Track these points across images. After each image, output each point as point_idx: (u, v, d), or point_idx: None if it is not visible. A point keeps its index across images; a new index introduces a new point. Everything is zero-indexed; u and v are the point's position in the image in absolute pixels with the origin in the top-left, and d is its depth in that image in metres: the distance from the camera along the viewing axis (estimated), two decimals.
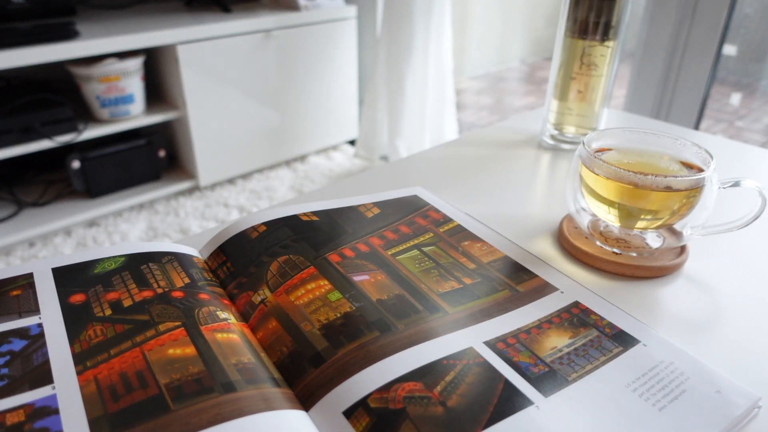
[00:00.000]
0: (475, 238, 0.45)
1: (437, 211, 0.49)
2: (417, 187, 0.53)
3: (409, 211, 0.48)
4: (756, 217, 0.42)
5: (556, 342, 0.34)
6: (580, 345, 0.34)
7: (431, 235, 0.45)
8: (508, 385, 0.31)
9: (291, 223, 0.45)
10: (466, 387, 0.30)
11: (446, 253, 0.43)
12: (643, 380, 0.32)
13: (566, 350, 0.34)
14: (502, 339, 0.34)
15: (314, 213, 0.47)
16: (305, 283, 0.38)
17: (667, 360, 0.33)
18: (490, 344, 0.34)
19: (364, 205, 0.49)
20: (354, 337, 0.33)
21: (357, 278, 0.39)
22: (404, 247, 0.43)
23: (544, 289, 0.39)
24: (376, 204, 0.49)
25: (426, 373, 0.31)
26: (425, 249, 0.43)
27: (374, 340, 0.33)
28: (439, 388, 0.30)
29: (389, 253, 0.42)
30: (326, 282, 0.38)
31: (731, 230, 0.43)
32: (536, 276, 0.41)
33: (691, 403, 0.30)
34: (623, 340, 0.35)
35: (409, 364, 0.31)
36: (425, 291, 0.38)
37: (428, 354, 0.32)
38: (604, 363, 0.33)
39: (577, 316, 0.37)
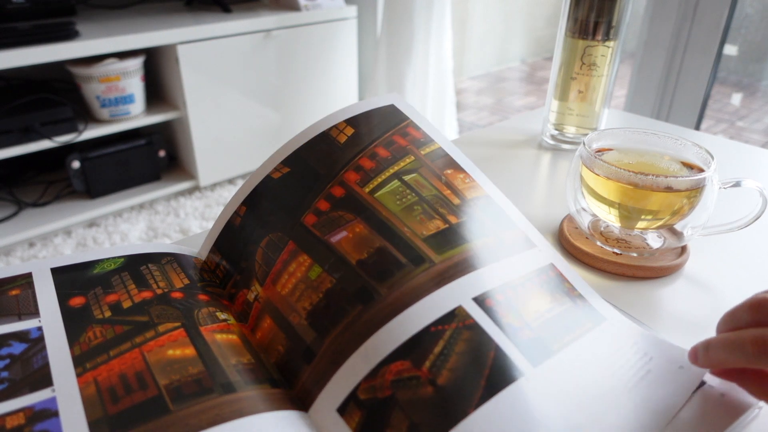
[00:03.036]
0: (457, 167, 0.42)
1: (417, 128, 0.44)
2: (393, 94, 0.48)
3: (386, 128, 0.44)
4: (756, 218, 0.42)
5: (539, 306, 0.34)
6: (557, 313, 0.34)
7: (412, 159, 0.41)
8: (500, 354, 0.30)
9: (266, 188, 0.42)
10: (456, 358, 0.29)
11: (429, 183, 0.40)
12: (614, 358, 0.32)
13: (548, 315, 0.34)
14: (491, 295, 0.33)
15: (284, 164, 0.42)
16: (287, 265, 0.36)
17: (631, 341, 0.34)
18: (479, 301, 0.32)
19: (336, 127, 0.44)
20: (338, 319, 0.32)
21: (334, 238, 0.36)
22: (383, 177, 0.40)
23: (526, 243, 0.38)
24: (350, 122, 0.44)
25: (413, 348, 0.29)
26: (406, 178, 0.40)
27: (358, 316, 0.32)
28: (428, 363, 0.29)
29: (366, 190, 0.39)
30: (306, 257, 0.36)
31: (732, 230, 0.43)
32: (516, 228, 0.39)
33: (656, 384, 0.31)
34: (592, 316, 0.35)
35: (395, 338, 0.30)
36: (409, 236, 0.36)
37: (415, 321, 0.31)
38: (580, 335, 0.33)
39: (553, 280, 0.36)
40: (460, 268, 0.34)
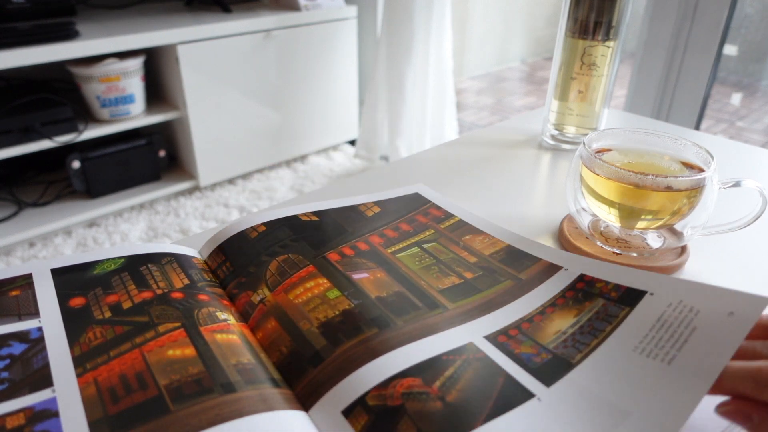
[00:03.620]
0: (476, 232, 0.45)
1: (438, 208, 0.48)
2: (419, 185, 0.53)
3: (409, 210, 0.48)
4: (756, 218, 0.42)
5: (561, 325, 0.34)
6: (585, 321, 0.33)
7: (432, 231, 0.45)
8: (509, 379, 0.30)
9: (291, 223, 0.45)
10: (465, 382, 0.30)
11: (447, 249, 0.42)
12: (650, 336, 0.31)
13: (570, 331, 0.33)
14: (503, 332, 0.34)
15: (314, 213, 0.47)
16: (304, 281, 0.38)
17: (675, 301, 0.32)
18: (491, 338, 0.33)
19: (364, 204, 0.49)
20: (352, 334, 0.33)
21: (356, 276, 0.39)
22: (405, 244, 0.43)
23: (549, 270, 0.39)
24: (377, 203, 0.49)
25: (425, 369, 0.30)
26: (426, 246, 0.43)
27: (373, 336, 0.33)
28: (438, 383, 0.29)
29: (389, 251, 0.42)
30: (325, 280, 0.38)
31: (732, 230, 0.43)
32: (539, 260, 0.40)
33: (701, 341, 0.29)
34: (630, 298, 0.34)
35: (408, 360, 0.31)
36: (425, 287, 0.38)
37: (427, 349, 0.32)
38: (610, 333, 0.32)
39: (582, 291, 0.36)
40: (473, 313, 0.35)
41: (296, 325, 0.34)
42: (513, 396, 0.29)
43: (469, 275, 0.39)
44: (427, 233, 0.45)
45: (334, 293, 0.37)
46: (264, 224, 0.44)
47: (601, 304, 0.34)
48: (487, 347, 0.32)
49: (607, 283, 0.36)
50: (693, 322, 0.30)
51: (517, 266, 0.40)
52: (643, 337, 0.31)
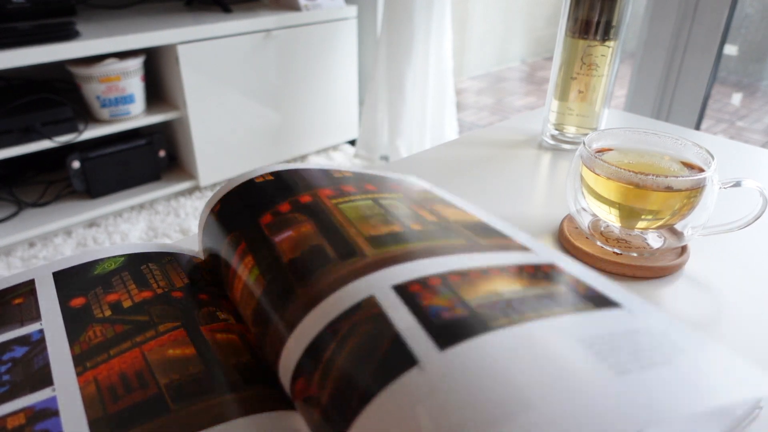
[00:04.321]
0: (451, 205, 0.37)
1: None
2: (415, 178, 0.45)
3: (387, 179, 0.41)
4: (757, 218, 0.42)
5: (500, 287, 0.27)
6: (531, 294, 0.26)
7: (400, 195, 0.38)
8: (395, 344, 0.24)
9: (243, 191, 0.39)
10: (343, 361, 0.25)
11: (406, 206, 0.36)
12: (607, 339, 0.23)
13: (508, 296, 0.26)
14: (422, 281, 0.27)
15: (271, 174, 0.40)
16: (237, 268, 0.34)
17: (659, 328, 0.25)
18: (400, 288, 0.27)
19: (338, 170, 0.41)
20: (266, 325, 0.30)
21: (278, 238, 0.33)
22: (358, 198, 0.36)
23: (517, 248, 0.32)
24: (352, 171, 0.42)
25: (308, 360, 0.26)
26: (382, 202, 0.36)
27: (278, 320, 0.29)
28: (317, 375, 0.25)
29: (333, 202, 0.36)
30: (250, 258, 0.34)
31: (732, 230, 0.43)
32: (510, 237, 0.33)
33: (673, 376, 0.22)
34: (598, 301, 0.26)
35: (298, 347, 0.27)
36: (351, 235, 0.32)
37: (315, 323, 0.27)
38: (555, 315, 0.24)
39: (546, 273, 0.29)
40: (389, 261, 0.29)
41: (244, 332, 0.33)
42: (390, 368, 0.23)
43: (416, 227, 0.32)
44: (393, 195, 0.37)
45: (254, 273, 0.33)
46: (219, 201, 0.39)
47: (562, 290, 0.27)
48: (388, 300, 0.26)
49: (578, 280, 0.28)
50: (670, 356, 0.23)
51: (481, 234, 0.33)
52: (598, 335, 0.23)
